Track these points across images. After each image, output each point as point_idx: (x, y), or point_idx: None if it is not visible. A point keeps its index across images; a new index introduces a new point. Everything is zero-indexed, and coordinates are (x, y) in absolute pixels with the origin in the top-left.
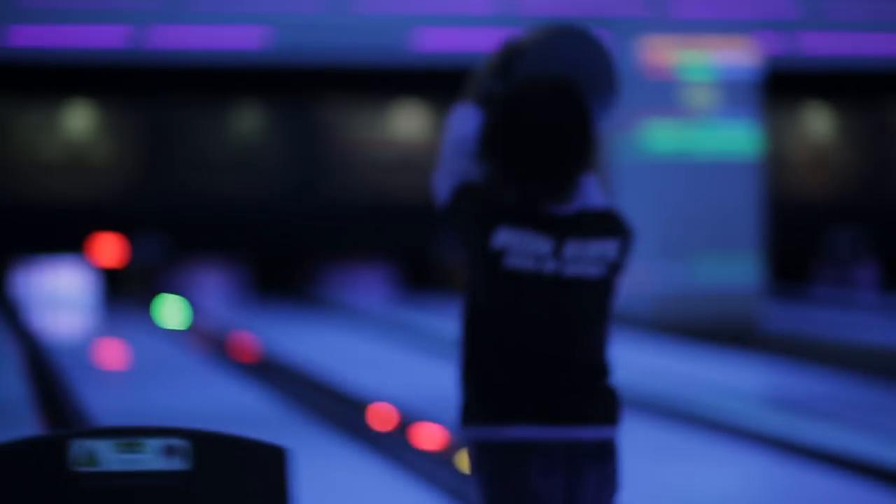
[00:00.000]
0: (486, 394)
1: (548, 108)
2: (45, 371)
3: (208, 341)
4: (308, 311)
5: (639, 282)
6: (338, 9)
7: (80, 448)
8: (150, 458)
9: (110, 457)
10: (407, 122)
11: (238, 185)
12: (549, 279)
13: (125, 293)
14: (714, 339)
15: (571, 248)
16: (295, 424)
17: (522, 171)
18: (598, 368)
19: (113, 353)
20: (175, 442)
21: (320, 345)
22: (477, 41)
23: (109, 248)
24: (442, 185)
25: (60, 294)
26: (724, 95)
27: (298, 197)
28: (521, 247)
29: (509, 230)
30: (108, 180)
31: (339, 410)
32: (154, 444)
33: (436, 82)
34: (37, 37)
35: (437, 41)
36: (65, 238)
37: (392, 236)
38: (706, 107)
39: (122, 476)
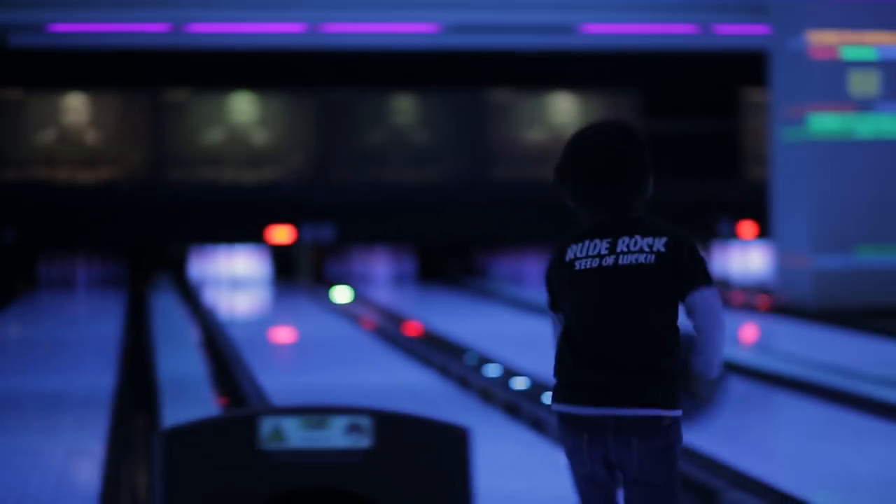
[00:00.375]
0: (559, 380)
1: (600, 146)
2: (221, 350)
3: (378, 322)
4: (471, 296)
5: (801, 267)
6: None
7: (269, 426)
8: (336, 435)
9: (297, 434)
10: (565, 111)
11: (403, 173)
12: (608, 269)
13: (297, 276)
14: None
15: (623, 244)
16: (465, 403)
17: (580, 200)
18: (656, 349)
19: (286, 334)
20: (360, 420)
21: (486, 327)
22: (638, 30)
23: (282, 234)
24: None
25: (236, 277)
26: (889, 80)
27: (464, 185)
28: (582, 254)
29: (575, 245)
30: (278, 168)
31: (507, 392)
32: (339, 422)
33: (594, 73)
34: (207, 28)
35: (601, 30)
36: (239, 224)
37: (551, 225)
38: (871, 92)
39: (308, 453)
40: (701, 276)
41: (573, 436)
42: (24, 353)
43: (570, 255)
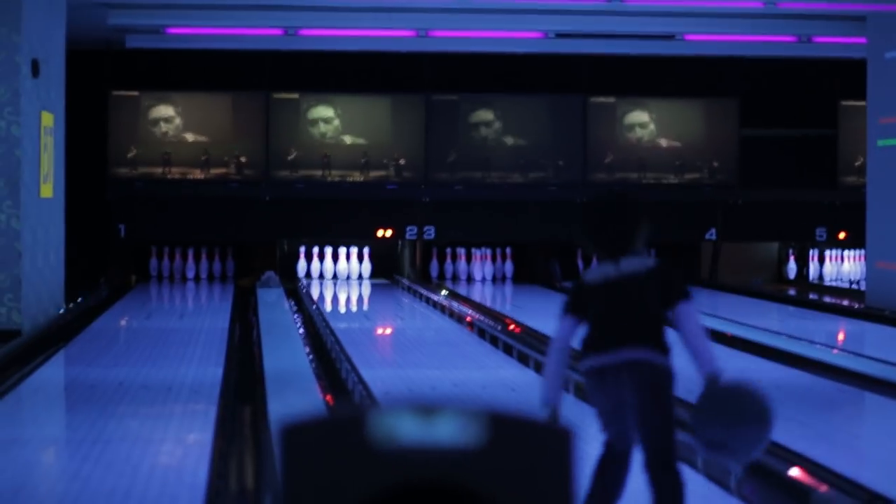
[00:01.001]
0: (588, 345)
1: (608, 209)
2: (325, 344)
3: (477, 320)
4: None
5: (894, 272)
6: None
7: (382, 422)
8: (447, 433)
9: (409, 430)
10: (666, 117)
11: (506, 176)
12: (613, 280)
13: (400, 274)
14: None
15: (624, 263)
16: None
17: (598, 248)
18: (649, 319)
19: (388, 330)
20: (472, 419)
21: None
22: (739, 39)
23: (386, 233)
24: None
25: (340, 273)
26: None
27: (565, 188)
28: (597, 275)
29: (591, 274)
30: (384, 169)
31: None
32: (451, 419)
33: (695, 80)
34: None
35: (703, 38)
36: (344, 222)
37: (653, 230)
38: None
39: (419, 449)
40: (681, 294)
41: (596, 381)
42: (135, 345)
43: (588, 281)
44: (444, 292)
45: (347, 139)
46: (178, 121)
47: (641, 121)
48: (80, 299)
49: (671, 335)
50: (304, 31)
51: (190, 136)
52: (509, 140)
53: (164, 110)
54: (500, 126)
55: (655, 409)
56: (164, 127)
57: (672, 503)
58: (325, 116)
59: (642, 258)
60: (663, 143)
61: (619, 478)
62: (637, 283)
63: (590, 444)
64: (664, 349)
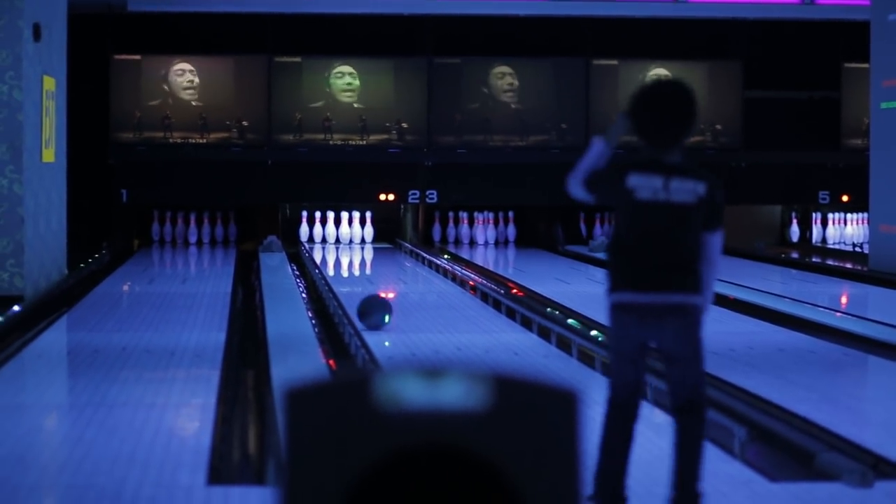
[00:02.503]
0: (617, 277)
1: (664, 97)
2: (328, 308)
3: (480, 284)
4: (573, 260)
5: None
6: None
7: (385, 386)
8: (452, 397)
9: (413, 395)
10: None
11: (507, 139)
12: (662, 203)
13: (402, 238)
14: None
15: (675, 184)
16: (565, 364)
17: (650, 136)
18: (690, 260)
19: (392, 294)
20: (476, 382)
21: (587, 291)
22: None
23: (388, 197)
24: (580, 177)
25: (343, 237)
26: None
27: (567, 152)
28: (643, 184)
29: (636, 175)
30: (386, 133)
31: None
32: (455, 383)
33: (698, 42)
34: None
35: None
36: (347, 186)
37: None
38: None
39: (424, 414)
40: (720, 219)
41: (623, 319)
42: (137, 309)
43: (631, 183)
44: (446, 256)
45: (349, 103)
46: (179, 84)
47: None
48: (83, 264)
49: None
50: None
51: (191, 100)
52: (512, 103)
53: (165, 74)
54: (502, 89)
55: (691, 352)
56: (165, 91)
57: (695, 445)
58: (328, 80)
59: (692, 177)
60: None
61: (628, 432)
62: (685, 214)
63: (593, 409)
64: (700, 285)
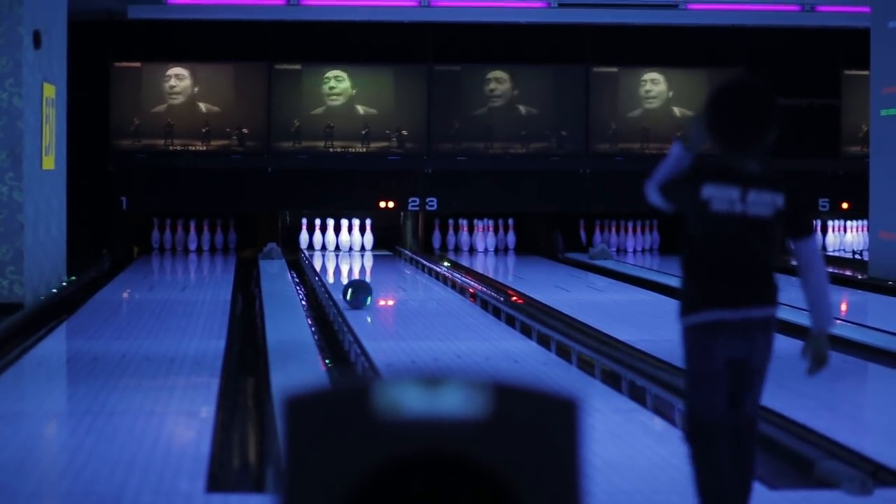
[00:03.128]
0: (697, 294)
1: (743, 99)
2: (328, 316)
3: (480, 291)
4: (572, 268)
5: None
6: None
7: (384, 394)
8: (451, 405)
9: (413, 403)
10: (668, 86)
11: (508, 147)
12: (738, 217)
13: (402, 246)
14: None
15: (752, 196)
16: (565, 371)
17: (729, 142)
18: (767, 272)
19: (392, 301)
20: (476, 390)
21: (586, 298)
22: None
23: (388, 204)
24: (656, 183)
25: (343, 245)
26: None
27: (567, 159)
28: (719, 196)
29: (711, 185)
30: (386, 140)
31: (606, 361)
32: (455, 391)
33: (698, 50)
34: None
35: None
36: (347, 194)
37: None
38: None
39: (423, 422)
40: (808, 225)
41: (709, 338)
42: (137, 317)
43: (706, 193)
44: (446, 263)
45: (349, 110)
46: (179, 92)
47: (644, 91)
48: (83, 271)
49: None
50: (307, 1)
51: (191, 108)
52: (511, 110)
53: (166, 81)
54: (502, 96)
55: (764, 372)
56: (164, 98)
57: (754, 465)
58: (328, 87)
59: (770, 188)
60: (666, 113)
61: (730, 453)
62: (762, 228)
63: (593, 417)
64: (778, 297)
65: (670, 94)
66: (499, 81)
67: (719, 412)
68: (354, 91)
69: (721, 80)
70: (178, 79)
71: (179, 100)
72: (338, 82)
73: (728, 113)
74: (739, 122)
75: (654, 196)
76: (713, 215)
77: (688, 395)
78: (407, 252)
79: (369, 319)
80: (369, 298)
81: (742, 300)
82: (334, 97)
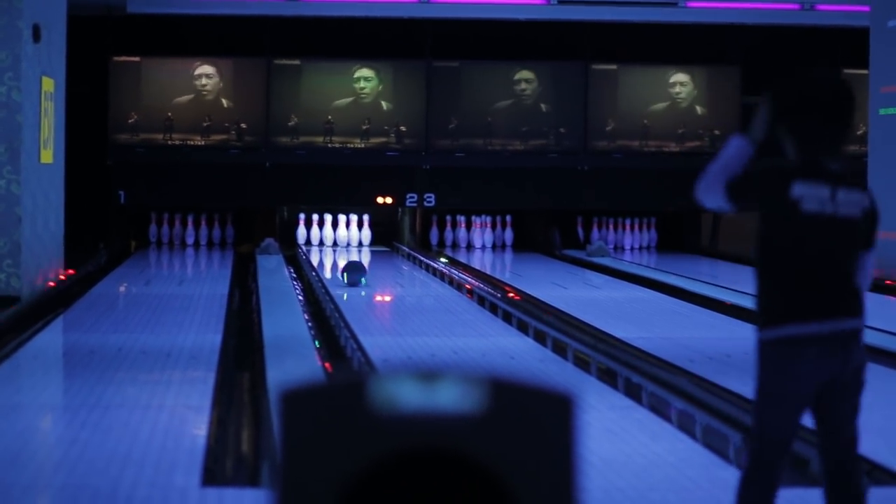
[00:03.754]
0: (781, 305)
1: (830, 96)
2: (324, 311)
3: (477, 287)
4: (570, 264)
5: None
6: None
7: (379, 389)
8: (447, 400)
9: (408, 398)
10: (667, 84)
11: (507, 143)
12: (828, 218)
13: (400, 241)
14: None
15: (842, 194)
16: (561, 367)
17: (810, 139)
18: (853, 279)
19: (389, 297)
20: (472, 386)
21: (584, 295)
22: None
23: (386, 200)
24: (718, 179)
25: (340, 240)
26: None
27: (567, 156)
28: (810, 194)
29: (802, 183)
30: (385, 136)
31: (602, 357)
32: (451, 386)
33: (697, 48)
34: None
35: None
36: (345, 189)
37: (654, 199)
38: None
39: (419, 417)
40: (875, 237)
41: (798, 355)
42: (134, 311)
43: (797, 192)
44: (443, 260)
45: (348, 106)
46: (178, 86)
47: (643, 88)
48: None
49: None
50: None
51: (190, 102)
52: (510, 107)
53: (165, 76)
54: (500, 93)
55: (858, 392)
56: (163, 93)
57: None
58: (327, 83)
59: (857, 188)
60: (664, 110)
61: (780, 478)
62: (850, 230)
63: (589, 413)
64: (861, 299)
65: (671, 90)
66: (499, 79)
67: (792, 437)
68: (358, 86)
69: (797, 76)
70: (180, 74)
71: (180, 95)
72: (367, 82)
73: (810, 109)
74: (830, 123)
75: (712, 195)
76: (804, 216)
77: (759, 415)
78: (404, 248)
79: (346, 296)
80: (364, 278)
81: (832, 311)
82: (344, 91)
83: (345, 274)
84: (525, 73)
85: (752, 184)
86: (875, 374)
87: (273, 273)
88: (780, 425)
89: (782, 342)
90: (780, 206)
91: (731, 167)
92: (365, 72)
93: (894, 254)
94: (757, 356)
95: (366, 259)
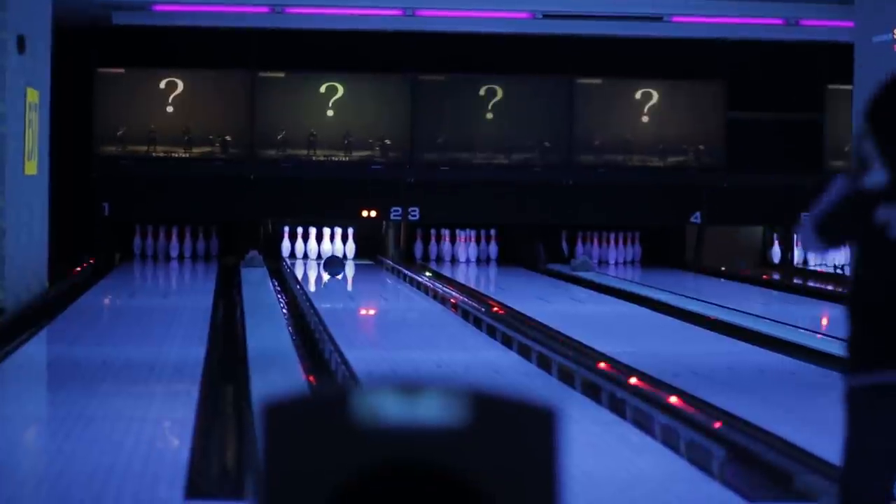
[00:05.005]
0: (865, 347)
1: None
2: (309, 324)
3: (461, 302)
4: (554, 279)
5: None
6: None
7: (363, 402)
8: (430, 413)
9: (391, 411)
10: (651, 99)
11: (491, 157)
12: None
13: (384, 255)
14: None
15: None
16: (545, 382)
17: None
18: None
19: (373, 311)
20: (455, 399)
21: (568, 310)
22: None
23: (370, 214)
24: (809, 223)
25: (325, 254)
26: None
27: (550, 171)
28: None
29: (888, 206)
30: (369, 150)
31: (586, 372)
32: (434, 400)
33: (681, 62)
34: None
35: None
36: (329, 203)
37: (639, 213)
38: None
39: (403, 429)
40: None
41: (879, 406)
42: (118, 323)
43: (882, 216)
44: (428, 273)
45: (332, 119)
46: (163, 99)
47: (627, 103)
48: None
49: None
50: (291, 10)
51: (174, 115)
52: (495, 121)
53: (149, 88)
54: (485, 107)
55: None
56: (148, 105)
57: None
58: (312, 96)
59: None
60: (649, 125)
61: None
62: None
63: (572, 428)
64: None
65: (655, 105)
66: (484, 93)
67: (881, 499)
68: (342, 100)
69: (889, 79)
70: (170, 87)
71: (164, 107)
72: (351, 95)
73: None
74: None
75: (812, 239)
76: (891, 243)
77: (844, 471)
78: (389, 262)
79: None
80: (342, 271)
81: None
82: (328, 104)
83: (325, 269)
84: (510, 88)
85: (835, 216)
86: None
87: (257, 286)
88: (863, 487)
89: (866, 391)
90: (866, 234)
91: (828, 208)
92: (350, 85)
93: None
94: (845, 405)
95: (350, 272)
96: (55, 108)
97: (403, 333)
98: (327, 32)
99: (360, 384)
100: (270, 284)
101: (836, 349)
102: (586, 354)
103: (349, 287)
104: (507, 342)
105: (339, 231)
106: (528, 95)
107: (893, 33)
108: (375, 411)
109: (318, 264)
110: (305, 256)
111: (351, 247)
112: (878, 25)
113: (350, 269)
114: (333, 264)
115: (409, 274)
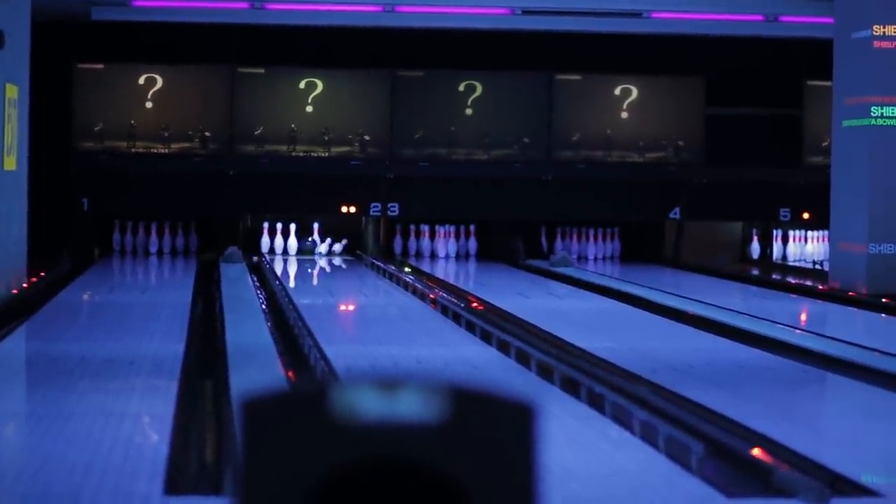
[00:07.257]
0: None
1: None
2: (288, 320)
3: (440, 297)
4: (533, 275)
5: (858, 253)
6: None
7: (341, 398)
8: (409, 409)
9: (370, 407)
10: (630, 95)
11: (471, 153)
12: None
13: (363, 251)
14: None
15: None
16: (524, 377)
17: None
18: None
19: (352, 306)
20: (434, 394)
21: (547, 305)
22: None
23: (350, 209)
24: None
25: (303, 250)
26: None
27: (530, 167)
28: None
29: None
30: (348, 146)
31: (565, 367)
32: (413, 395)
33: (660, 59)
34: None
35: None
36: (308, 198)
37: (618, 209)
38: None
39: (380, 426)
40: None
41: None
42: (97, 319)
43: None
44: (407, 269)
45: (312, 115)
46: (142, 94)
47: (606, 99)
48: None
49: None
50: (271, 6)
51: (155, 110)
52: (474, 117)
53: (129, 84)
54: (464, 103)
55: None
56: (127, 101)
57: None
58: (291, 92)
59: None
60: (629, 121)
61: None
62: None
63: (551, 423)
64: None
65: (634, 101)
66: (463, 89)
67: None
68: (322, 96)
69: None
70: (147, 82)
71: (144, 103)
72: (331, 91)
73: None
74: None
75: None
76: None
77: None
78: (368, 257)
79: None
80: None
81: None
82: (308, 100)
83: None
84: (489, 83)
85: None
86: (838, 385)
87: (236, 281)
88: None
89: None
90: None
91: None
92: (329, 80)
93: (855, 265)
94: None
95: (329, 267)
96: (34, 103)
97: (383, 329)
98: (307, 28)
99: (340, 380)
100: (250, 280)
101: (815, 345)
102: (565, 350)
103: (329, 282)
104: (486, 338)
105: (317, 226)
106: (507, 91)
107: (872, 30)
108: (355, 407)
109: (297, 260)
110: (285, 252)
111: (329, 242)
112: (858, 22)
113: (329, 265)
114: (307, 246)
115: (389, 269)
